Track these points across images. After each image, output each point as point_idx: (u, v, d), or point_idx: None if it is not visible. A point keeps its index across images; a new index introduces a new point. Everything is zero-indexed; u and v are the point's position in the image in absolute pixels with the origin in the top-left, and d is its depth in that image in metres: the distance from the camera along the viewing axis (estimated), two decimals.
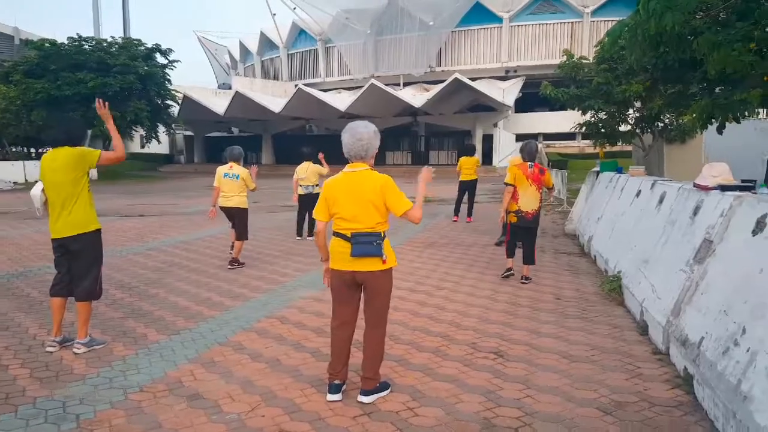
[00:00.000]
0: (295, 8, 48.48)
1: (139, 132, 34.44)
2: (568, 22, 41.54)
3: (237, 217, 7.07)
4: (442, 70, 42.59)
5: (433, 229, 10.47)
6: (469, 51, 44.04)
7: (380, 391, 3.24)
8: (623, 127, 16.34)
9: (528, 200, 6.06)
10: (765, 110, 12.28)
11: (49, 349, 4.01)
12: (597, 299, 5.38)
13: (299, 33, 50.42)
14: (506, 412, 3.05)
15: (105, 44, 30.49)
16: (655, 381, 3.44)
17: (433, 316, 4.85)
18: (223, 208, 7.08)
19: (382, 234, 3.19)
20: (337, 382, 3.25)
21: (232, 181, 7.00)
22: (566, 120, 40.09)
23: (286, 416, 3.04)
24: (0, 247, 8.66)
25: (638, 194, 6.01)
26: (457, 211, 11.65)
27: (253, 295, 5.66)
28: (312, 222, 9.38)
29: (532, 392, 3.30)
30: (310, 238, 9.28)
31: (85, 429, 2.90)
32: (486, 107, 36.50)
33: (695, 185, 4.26)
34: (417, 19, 43.17)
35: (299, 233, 9.42)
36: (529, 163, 6.15)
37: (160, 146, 42.77)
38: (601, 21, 40.60)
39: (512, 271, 6.21)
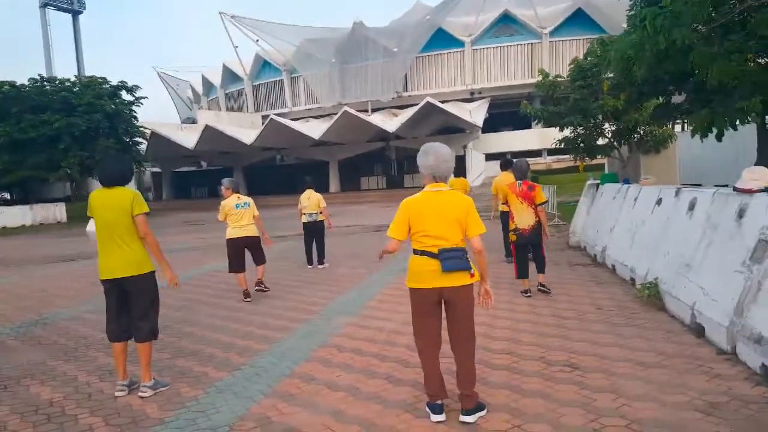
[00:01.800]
0: (258, 40, 48.85)
1: None
2: (528, 44, 43.19)
3: (254, 245, 6.99)
4: (409, 95, 43.48)
5: None
6: (434, 75, 45.11)
7: (480, 410, 3.21)
8: (600, 141, 17.00)
9: (522, 217, 6.26)
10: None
11: (118, 393, 3.83)
12: (636, 306, 5.49)
13: (263, 64, 50.61)
14: (612, 422, 3.06)
15: (68, 84, 29.82)
16: (735, 380, 3.52)
17: (488, 334, 4.86)
18: (239, 239, 6.90)
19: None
20: (439, 402, 3.22)
21: (245, 210, 6.93)
22: (531, 138, 41.54)
23: None
24: (4, 296, 8.24)
25: (659, 202, 6.23)
26: None
27: (293, 325, 5.54)
28: (321, 249, 9.30)
29: (625, 401, 3.32)
30: (321, 266, 9.19)
31: None
32: (456, 129, 37.28)
33: (736, 189, 4.46)
34: (381, 46, 44.07)
35: (309, 262, 9.31)
36: (518, 181, 6.35)
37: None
38: (558, 41, 42.46)
39: (530, 293, 6.22)
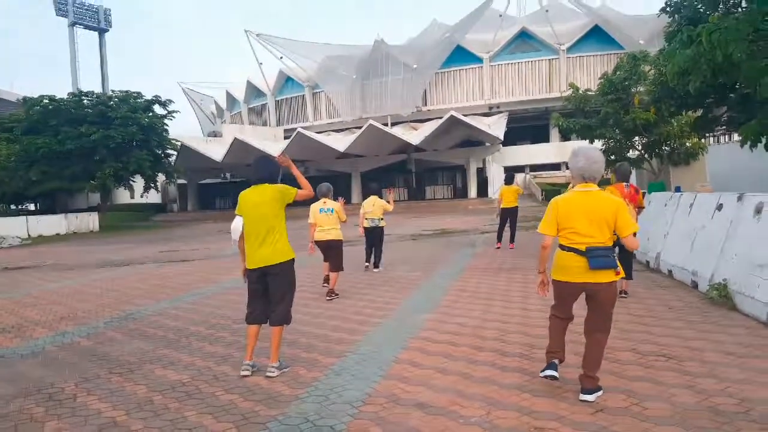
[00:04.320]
0: (281, 57, 49.96)
1: (135, 183, 34.29)
2: (546, 59, 43.67)
3: (334, 249, 7.32)
4: (428, 110, 44.11)
5: (484, 257, 10.77)
6: (452, 90, 45.69)
7: (598, 391, 3.47)
8: (630, 153, 17.23)
9: None
10: None
11: (244, 373, 4.17)
12: (706, 306, 5.70)
13: (286, 80, 51.68)
14: (723, 401, 3.31)
15: (105, 98, 30.81)
16: None
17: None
18: (320, 242, 7.34)
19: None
20: (555, 361, 3.57)
21: (328, 215, 7.30)
22: (550, 151, 41.57)
23: (526, 417, 3.24)
24: (81, 296, 8.67)
25: (719, 208, 6.46)
26: (500, 238, 11.98)
27: (377, 321, 5.84)
28: (378, 254, 9.64)
29: (728, 384, 3.56)
30: (375, 270, 9.51)
31: None
32: (476, 142, 37.67)
33: None
34: (401, 63, 44.82)
35: (367, 260, 9.65)
36: (624, 183, 6.60)
37: (151, 196, 42.61)
38: (576, 57, 42.86)
39: None
